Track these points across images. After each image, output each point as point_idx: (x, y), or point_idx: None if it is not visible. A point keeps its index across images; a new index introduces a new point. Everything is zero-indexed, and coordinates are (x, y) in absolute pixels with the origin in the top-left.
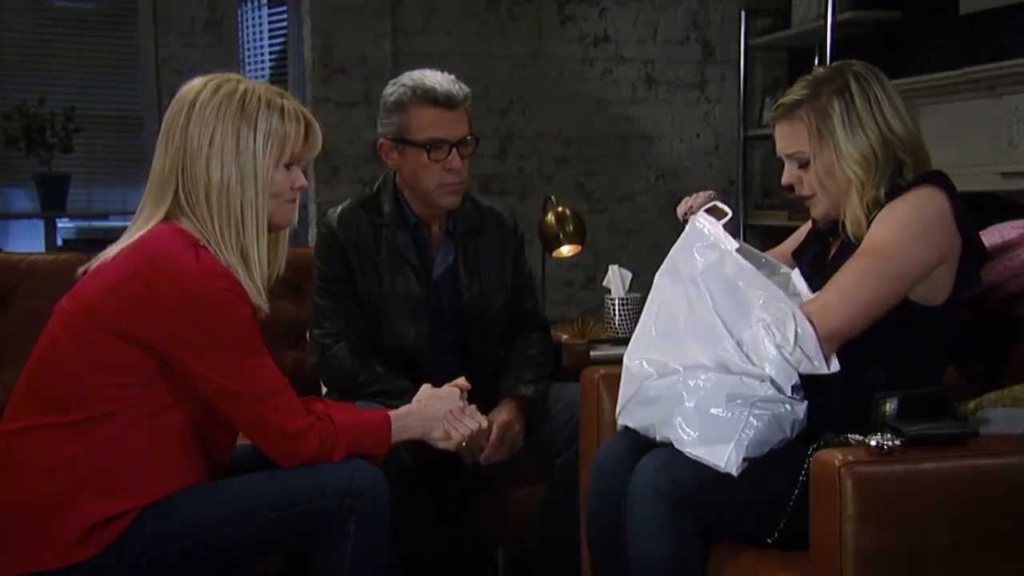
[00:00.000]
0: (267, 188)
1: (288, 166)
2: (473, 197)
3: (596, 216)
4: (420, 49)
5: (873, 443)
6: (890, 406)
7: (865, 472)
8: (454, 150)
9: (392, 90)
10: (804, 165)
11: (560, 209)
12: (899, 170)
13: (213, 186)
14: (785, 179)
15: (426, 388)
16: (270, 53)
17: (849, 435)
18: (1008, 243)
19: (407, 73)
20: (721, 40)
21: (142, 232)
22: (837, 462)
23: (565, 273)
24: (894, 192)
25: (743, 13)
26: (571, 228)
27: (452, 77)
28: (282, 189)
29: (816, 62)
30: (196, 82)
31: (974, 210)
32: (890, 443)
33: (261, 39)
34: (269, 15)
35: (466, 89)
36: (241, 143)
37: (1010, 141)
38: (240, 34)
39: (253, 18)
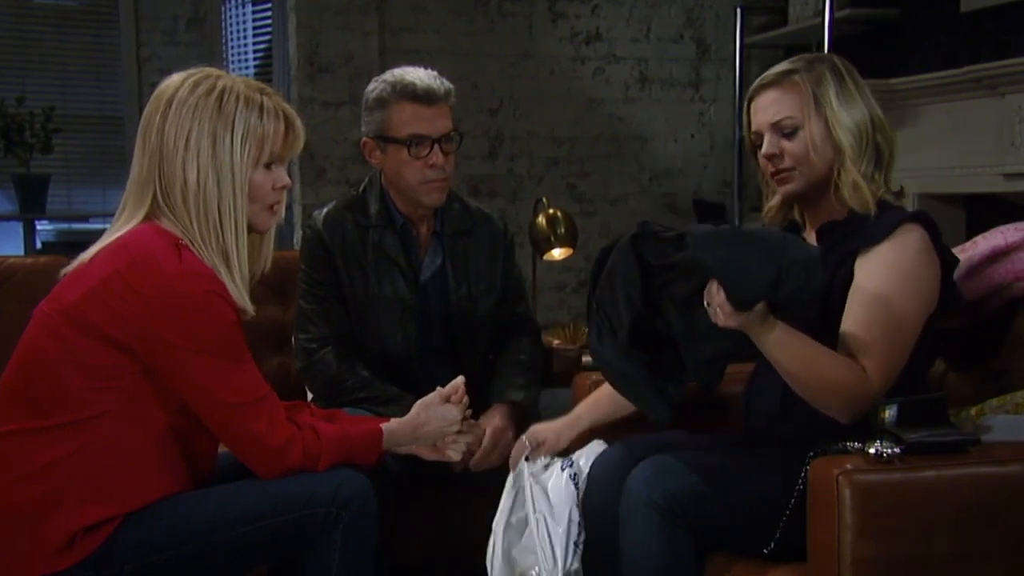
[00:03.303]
0: (245, 189)
1: (268, 165)
2: (461, 198)
3: (588, 218)
4: (408, 47)
5: (872, 451)
6: (889, 413)
7: (864, 480)
8: (436, 146)
9: (373, 87)
10: (790, 134)
11: (551, 211)
12: (877, 158)
13: (190, 188)
14: (766, 149)
15: (435, 399)
16: (254, 51)
17: (847, 443)
18: (1011, 246)
19: (389, 71)
20: (716, 38)
21: (122, 232)
22: (835, 470)
23: (556, 277)
24: (878, 232)
25: (738, 10)
26: (562, 231)
27: (434, 73)
28: (262, 191)
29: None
30: (174, 79)
31: (975, 212)
32: (889, 451)
33: (245, 37)
34: (253, 12)
35: (448, 85)
36: (217, 144)
37: (1012, 142)
38: (224, 32)
39: (237, 15)
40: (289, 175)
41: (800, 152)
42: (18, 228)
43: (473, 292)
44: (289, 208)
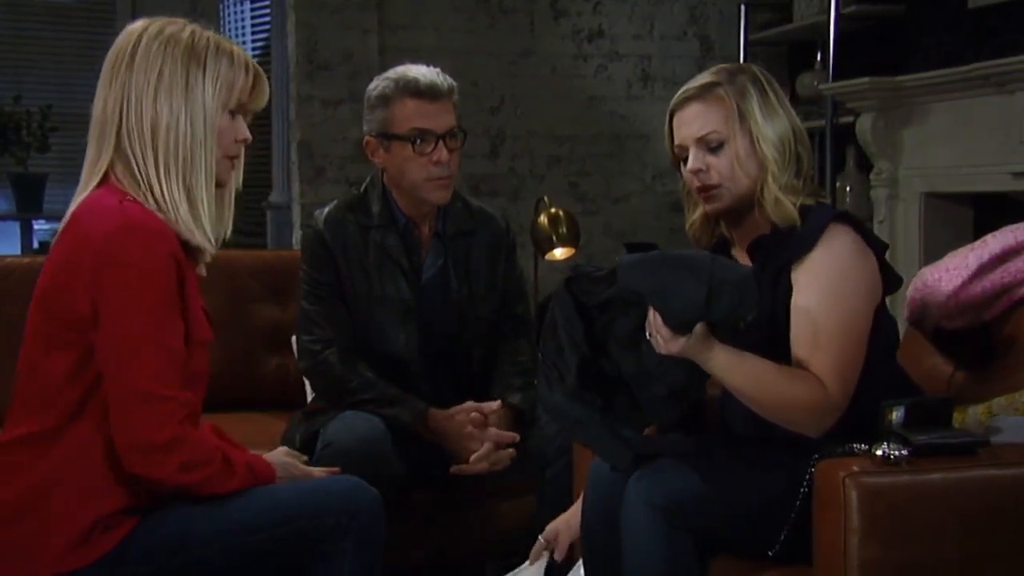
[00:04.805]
0: (215, 130)
1: (233, 114)
2: (463, 198)
3: (590, 218)
4: (407, 45)
5: (879, 452)
6: (896, 414)
7: (871, 483)
8: (440, 142)
9: (375, 84)
10: (715, 149)
11: (553, 211)
12: (798, 166)
13: (161, 121)
14: (692, 165)
15: (280, 451)
16: (253, 49)
17: (854, 444)
18: (1021, 244)
19: (391, 68)
20: (720, 35)
21: (80, 198)
22: (842, 472)
23: (558, 277)
24: (806, 240)
25: (742, 7)
26: (564, 230)
27: (437, 69)
28: (226, 139)
29: (818, 57)
30: (140, 22)
31: (983, 211)
32: (897, 452)
33: (243, 35)
34: (251, 9)
35: (451, 81)
36: (191, 80)
37: (1021, 139)
38: (221, 29)
39: (235, 13)
40: (288, 174)
41: (726, 168)
42: (15, 228)
43: (474, 293)
44: (288, 207)
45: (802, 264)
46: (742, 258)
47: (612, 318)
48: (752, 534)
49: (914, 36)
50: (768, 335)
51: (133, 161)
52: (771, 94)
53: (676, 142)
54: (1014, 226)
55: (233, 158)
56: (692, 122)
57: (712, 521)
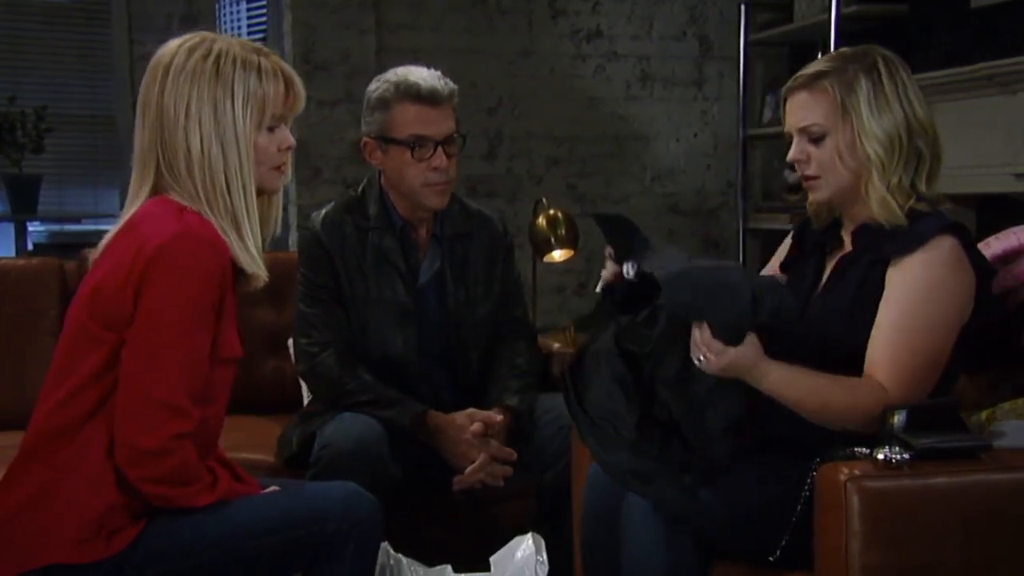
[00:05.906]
0: (250, 153)
1: (271, 129)
2: (461, 200)
3: (589, 219)
4: (405, 45)
5: (881, 456)
6: (898, 418)
7: (872, 487)
8: (439, 148)
9: (375, 86)
10: (817, 141)
11: (551, 212)
12: (917, 162)
13: (194, 156)
14: (792, 155)
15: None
16: None
17: (855, 448)
18: None
19: (392, 70)
20: (720, 35)
21: (131, 213)
22: (843, 476)
23: (557, 279)
24: (911, 241)
25: (742, 7)
26: (563, 232)
27: (438, 73)
28: (267, 154)
29: (819, 58)
30: (170, 46)
31: (986, 213)
32: (899, 456)
33: (240, 34)
34: (248, 9)
35: (452, 85)
36: (218, 110)
37: None
38: (218, 29)
39: (231, 12)
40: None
41: (826, 160)
42: (9, 229)
43: (471, 296)
44: (285, 209)
45: (899, 264)
46: (846, 239)
47: (659, 360)
48: (753, 538)
49: (916, 36)
50: (846, 323)
51: (184, 193)
52: (886, 85)
53: (785, 128)
54: (1017, 228)
55: (280, 166)
56: (796, 112)
57: (712, 524)
